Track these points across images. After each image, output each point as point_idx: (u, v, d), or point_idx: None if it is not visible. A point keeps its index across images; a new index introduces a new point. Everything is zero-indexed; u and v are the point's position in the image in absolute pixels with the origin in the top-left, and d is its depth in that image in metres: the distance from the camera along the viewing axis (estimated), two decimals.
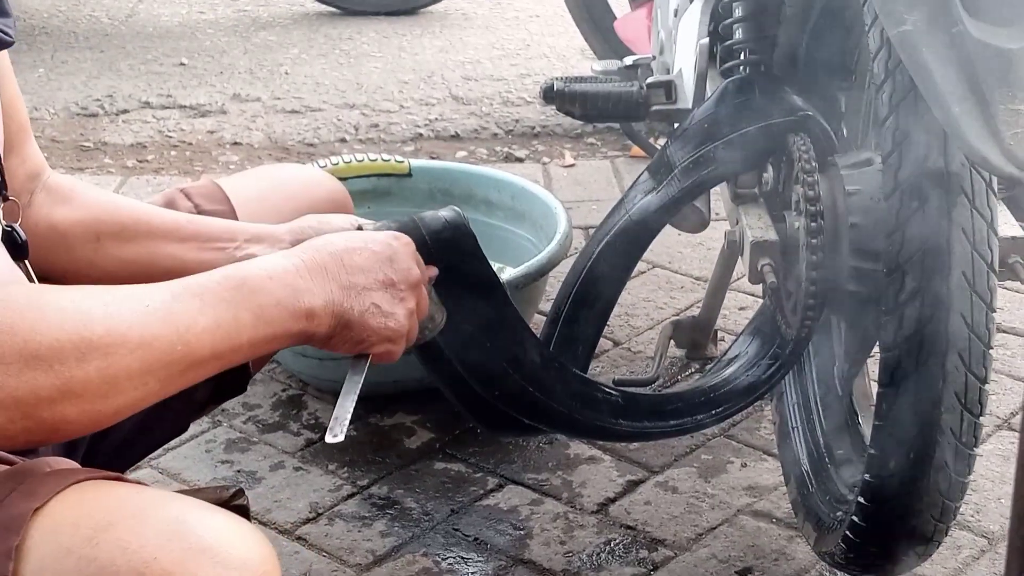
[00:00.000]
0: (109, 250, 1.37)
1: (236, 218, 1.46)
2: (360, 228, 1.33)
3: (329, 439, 1.13)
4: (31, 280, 1.28)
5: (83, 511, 0.94)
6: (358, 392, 1.18)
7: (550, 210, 2.26)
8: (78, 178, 1.47)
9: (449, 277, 1.30)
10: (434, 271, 1.29)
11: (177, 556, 0.90)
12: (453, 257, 1.31)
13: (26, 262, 1.27)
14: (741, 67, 1.66)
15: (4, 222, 1.24)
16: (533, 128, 3.32)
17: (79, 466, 1.08)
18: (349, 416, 1.15)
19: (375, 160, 2.41)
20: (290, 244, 1.33)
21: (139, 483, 1.02)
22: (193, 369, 1.04)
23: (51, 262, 1.35)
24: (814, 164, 1.47)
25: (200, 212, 1.46)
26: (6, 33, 1.15)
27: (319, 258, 1.13)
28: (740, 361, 1.65)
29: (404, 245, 1.20)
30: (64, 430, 0.98)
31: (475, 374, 1.39)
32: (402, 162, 2.42)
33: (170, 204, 1.47)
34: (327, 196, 1.55)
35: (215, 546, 0.92)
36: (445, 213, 1.32)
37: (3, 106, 1.27)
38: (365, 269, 1.15)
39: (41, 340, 0.95)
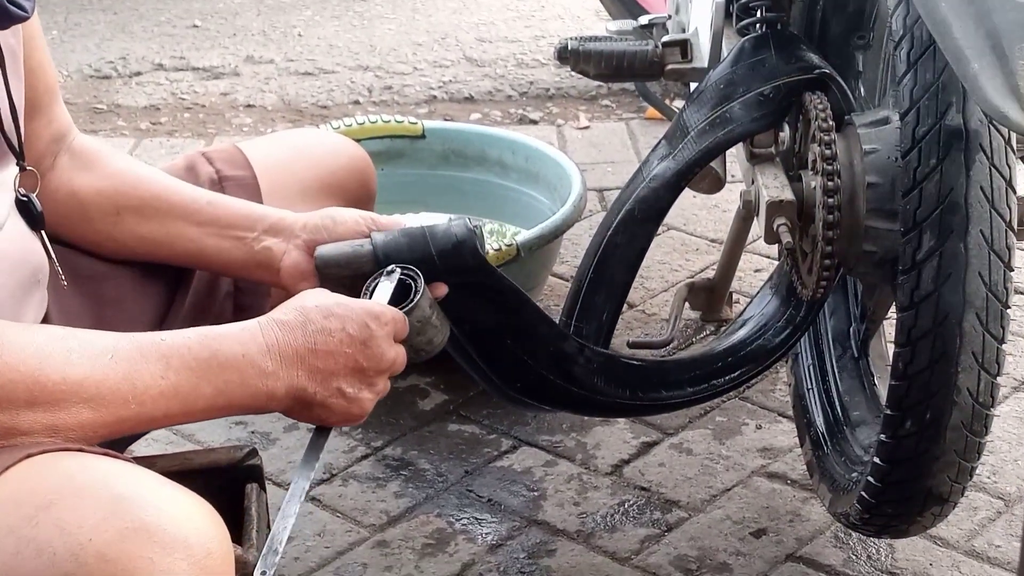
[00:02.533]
0: (129, 225, 1.36)
1: (258, 183, 1.45)
2: (370, 234, 1.30)
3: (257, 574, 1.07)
4: (46, 250, 1.27)
5: (28, 488, 0.94)
6: (303, 494, 1.15)
7: (564, 172, 2.25)
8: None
9: (460, 291, 1.29)
10: (443, 289, 1.28)
11: (113, 536, 0.90)
12: (460, 275, 1.29)
13: (42, 232, 1.27)
14: (757, 25, 1.64)
15: (21, 191, 1.23)
16: (547, 90, 3.30)
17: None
18: (283, 543, 1.08)
19: (388, 122, 2.39)
20: (304, 241, 1.33)
21: (105, 452, 1.01)
22: (141, 426, 1.06)
23: (70, 230, 1.34)
24: (831, 123, 1.46)
25: (221, 177, 1.44)
26: (22, 7, 1.14)
27: (293, 341, 1.12)
28: (755, 324, 1.63)
29: (382, 326, 1.16)
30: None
31: (495, 371, 1.40)
32: (415, 123, 2.41)
33: (191, 168, 1.45)
34: (348, 163, 1.53)
35: (154, 525, 0.92)
36: (457, 230, 1.29)
37: (30, 71, 1.26)
38: (336, 354, 1.13)
39: None
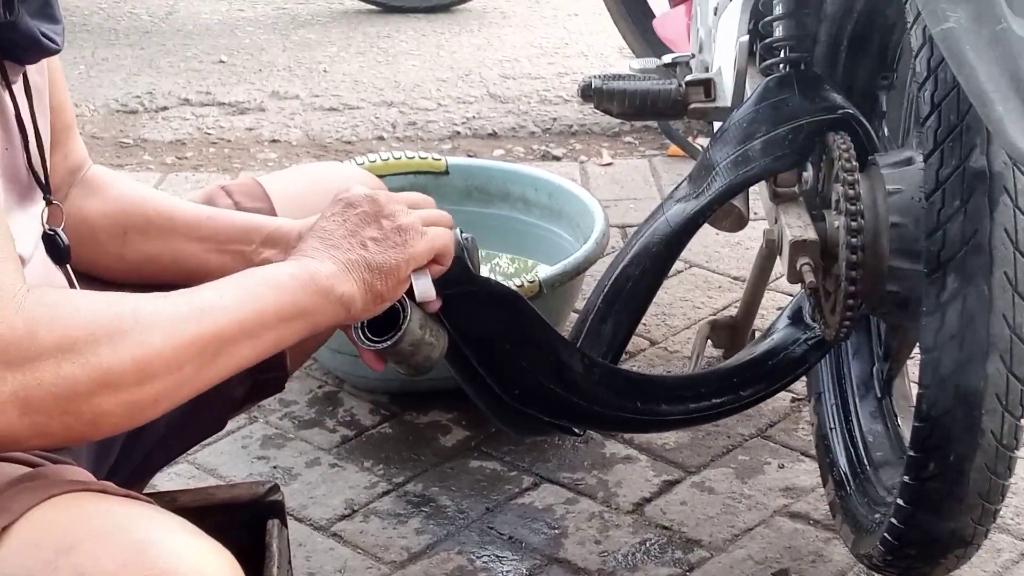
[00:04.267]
0: (135, 245, 1.38)
1: (276, 215, 1.46)
2: None
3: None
4: (72, 285, 1.29)
5: (49, 530, 0.94)
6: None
7: (587, 208, 2.25)
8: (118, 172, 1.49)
9: (456, 300, 1.29)
10: (436, 304, 1.27)
11: None
12: (452, 286, 1.29)
13: (68, 267, 1.28)
14: (781, 65, 1.65)
15: (47, 226, 1.25)
16: (571, 126, 3.31)
17: (83, 472, 1.08)
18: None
19: (412, 158, 2.41)
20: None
21: (127, 494, 1.01)
22: (226, 349, 1.05)
23: (84, 256, 1.35)
24: (854, 163, 1.46)
25: (240, 210, 1.46)
26: (53, 40, 1.16)
27: (301, 247, 1.19)
28: (764, 349, 1.63)
29: (349, 191, 1.23)
30: (103, 424, 0.99)
31: (494, 377, 1.38)
32: (439, 160, 2.42)
33: (210, 201, 1.47)
34: None
35: (173, 571, 0.91)
36: None
37: (52, 107, 1.28)
38: (337, 223, 1.20)
39: (77, 333, 0.96)
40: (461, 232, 1.30)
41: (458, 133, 3.30)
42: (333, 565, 1.80)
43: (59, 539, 0.92)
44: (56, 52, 1.18)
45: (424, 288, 1.24)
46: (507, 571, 1.78)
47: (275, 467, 2.01)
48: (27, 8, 1.13)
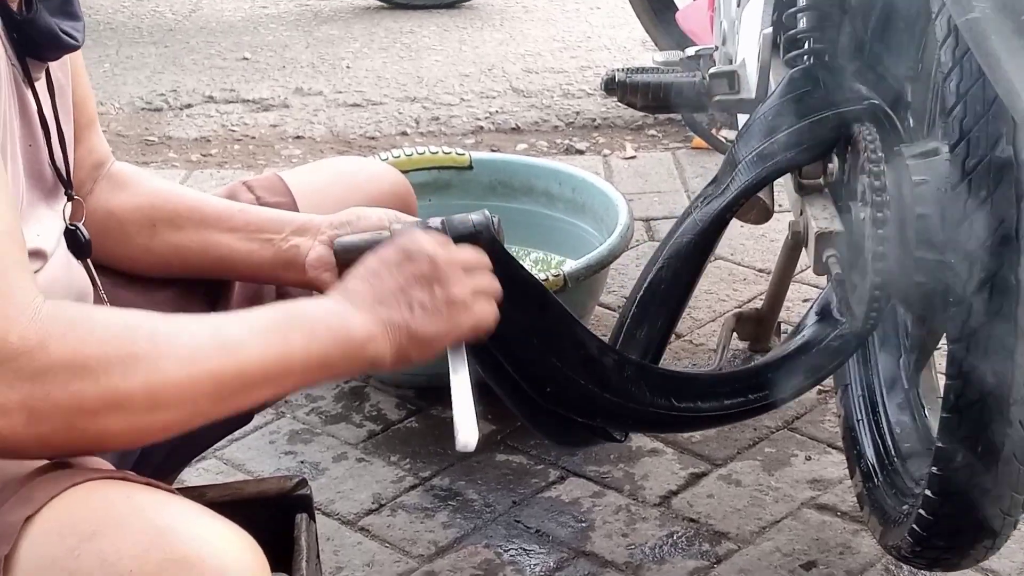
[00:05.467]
0: (164, 237, 1.39)
1: (296, 210, 1.47)
2: (391, 223, 1.32)
3: (460, 447, 1.13)
4: (92, 279, 1.30)
5: (71, 519, 0.94)
6: (470, 386, 1.18)
7: (611, 202, 2.25)
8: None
9: None
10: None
11: (153, 568, 0.90)
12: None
13: (88, 261, 1.29)
14: (805, 56, 1.64)
15: (69, 221, 1.26)
16: (594, 120, 3.31)
17: (103, 462, 1.08)
18: (474, 416, 1.14)
19: (436, 153, 2.41)
20: (328, 237, 1.35)
21: (147, 482, 1.01)
22: (245, 390, 1.04)
23: (108, 249, 1.36)
24: (880, 154, 1.46)
25: (261, 204, 1.47)
26: (73, 37, 1.17)
27: (355, 291, 1.14)
28: (796, 345, 1.62)
29: (414, 241, 1.18)
30: (107, 443, 0.99)
31: (524, 374, 1.37)
32: (463, 155, 2.42)
33: (233, 196, 1.48)
34: (390, 189, 1.55)
35: (195, 556, 0.92)
36: (474, 217, 1.28)
37: (74, 103, 1.29)
38: (393, 278, 1.15)
39: (89, 351, 0.96)
40: (491, 216, 1.29)
41: (481, 128, 3.30)
42: (361, 559, 1.80)
43: (81, 527, 0.93)
44: (76, 48, 1.19)
45: (457, 363, 1.21)
46: (535, 564, 1.78)
47: (302, 462, 2.02)
48: (47, 5, 1.14)
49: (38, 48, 1.15)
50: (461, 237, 1.26)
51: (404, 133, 3.29)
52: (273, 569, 1.37)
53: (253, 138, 3.30)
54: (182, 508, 0.97)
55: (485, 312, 1.20)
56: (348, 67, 3.73)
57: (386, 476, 1.98)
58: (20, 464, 1.01)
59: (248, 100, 3.51)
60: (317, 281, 1.34)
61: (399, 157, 2.36)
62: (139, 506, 0.95)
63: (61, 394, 0.94)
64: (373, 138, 3.27)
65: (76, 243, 1.26)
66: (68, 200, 1.26)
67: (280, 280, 1.41)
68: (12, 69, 1.12)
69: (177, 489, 1.45)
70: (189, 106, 3.49)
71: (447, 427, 2.07)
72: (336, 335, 1.09)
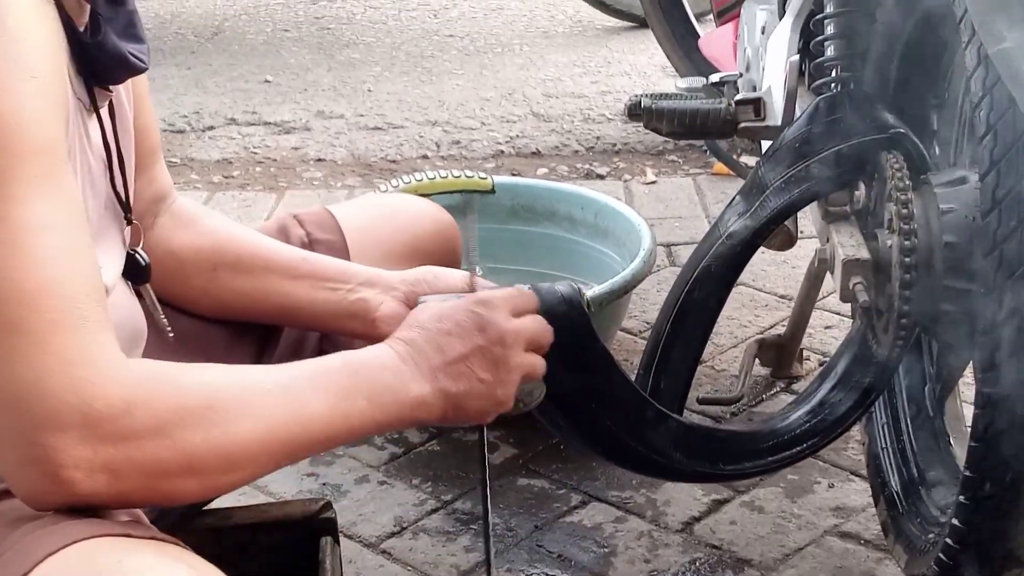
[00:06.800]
0: (224, 281, 1.39)
1: (347, 246, 1.47)
2: (472, 288, 1.32)
3: None
4: (152, 303, 1.30)
5: None
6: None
7: (633, 227, 2.26)
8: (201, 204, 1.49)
9: (560, 351, 1.29)
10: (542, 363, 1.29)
11: None
12: (564, 335, 1.28)
13: (148, 286, 1.30)
14: (832, 84, 1.65)
15: (129, 247, 1.26)
16: (614, 145, 3.32)
17: (114, 513, 1.07)
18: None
19: (459, 176, 2.42)
20: (404, 293, 1.35)
21: (151, 537, 1.00)
22: (305, 449, 1.08)
23: (167, 288, 1.36)
24: (907, 182, 1.46)
25: (312, 239, 1.47)
26: (140, 59, 1.17)
27: (420, 351, 1.15)
28: (829, 388, 1.63)
29: (491, 310, 1.19)
30: (180, 499, 1.02)
31: (579, 433, 1.41)
32: (485, 178, 2.43)
33: (283, 230, 1.48)
34: (434, 227, 1.55)
35: None
36: (563, 288, 1.30)
37: (137, 130, 1.29)
38: (459, 346, 1.16)
39: (170, 417, 0.98)
40: (580, 290, 1.31)
41: (502, 152, 3.31)
42: None
43: None
44: (143, 71, 1.20)
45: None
46: None
47: (324, 484, 2.02)
48: (113, 28, 1.14)
49: (105, 71, 1.15)
50: (551, 307, 1.28)
51: (425, 156, 3.30)
52: None
53: (275, 160, 3.32)
54: (175, 574, 0.96)
55: (532, 389, 1.24)
56: (369, 90, 3.74)
57: (408, 499, 1.98)
58: None
59: (270, 123, 3.53)
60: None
61: (422, 180, 2.36)
62: (131, 571, 0.94)
63: (142, 458, 0.97)
64: (394, 161, 3.28)
65: (135, 268, 1.27)
66: (128, 224, 1.26)
67: (344, 331, 1.41)
68: (77, 99, 1.11)
69: (203, 511, 1.46)
70: (211, 128, 3.51)
71: (469, 450, 2.08)
72: (398, 402, 1.12)
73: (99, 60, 1.13)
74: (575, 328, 1.30)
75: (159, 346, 1.32)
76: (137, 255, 1.26)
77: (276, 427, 1.04)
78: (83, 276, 0.98)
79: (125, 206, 1.24)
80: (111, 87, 1.19)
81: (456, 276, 1.37)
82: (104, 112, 1.18)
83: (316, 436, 1.07)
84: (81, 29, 1.12)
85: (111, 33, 1.13)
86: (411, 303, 1.33)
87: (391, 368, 1.13)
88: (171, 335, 1.31)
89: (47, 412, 0.94)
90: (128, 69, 1.17)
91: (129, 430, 0.96)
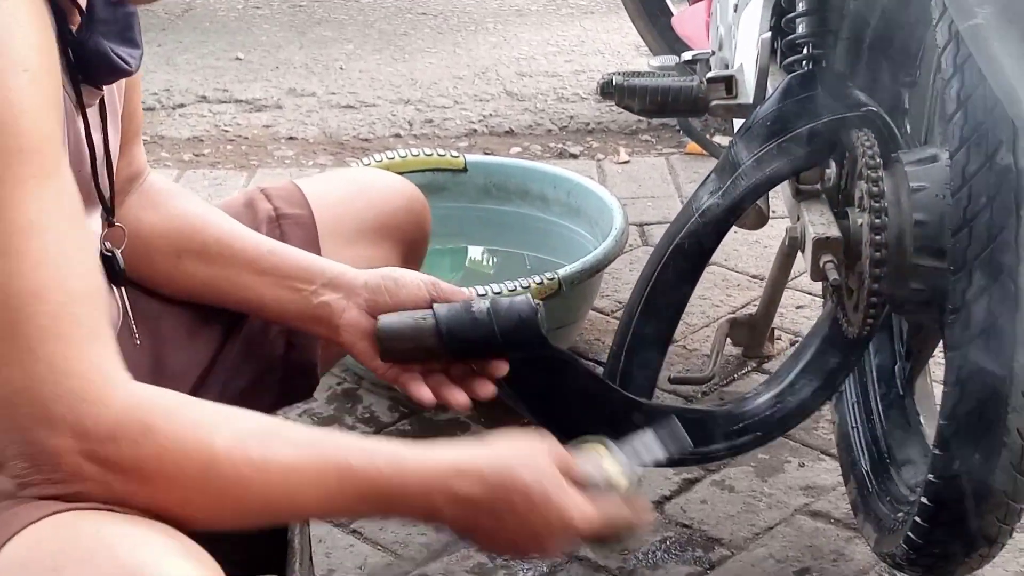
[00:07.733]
0: (188, 268, 1.36)
1: (315, 221, 1.45)
2: (435, 296, 1.32)
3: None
4: (123, 307, 1.29)
5: (38, 552, 0.93)
6: None
7: (606, 206, 2.25)
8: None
9: (521, 365, 1.33)
10: (504, 367, 1.31)
11: None
12: (522, 351, 1.32)
13: (122, 289, 1.28)
14: (804, 62, 1.64)
15: (107, 245, 1.24)
16: (587, 124, 3.31)
17: None
18: None
19: (431, 155, 2.40)
20: (365, 300, 1.33)
21: (126, 512, 0.99)
22: (291, 519, 1.11)
23: (134, 268, 1.33)
24: (878, 160, 1.46)
25: (279, 215, 1.45)
26: (127, 62, 1.16)
27: (473, 514, 1.10)
28: (798, 372, 1.63)
29: (561, 512, 1.12)
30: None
31: (553, 430, 1.41)
32: (457, 157, 2.42)
33: (250, 204, 1.46)
34: (405, 204, 1.53)
35: None
36: (520, 308, 1.31)
37: (124, 115, 1.27)
38: (507, 535, 1.12)
39: (158, 467, 0.98)
40: (532, 299, 1.32)
41: (475, 131, 3.30)
42: (353, 562, 1.79)
43: (46, 560, 0.92)
44: (128, 74, 1.18)
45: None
46: (527, 569, 1.78)
47: None
48: (107, 31, 1.13)
49: (91, 70, 1.14)
50: (506, 329, 1.29)
51: (397, 135, 3.28)
52: (266, 571, 1.36)
53: (246, 138, 3.29)
54: (150, 543, 0.95)
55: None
56: (342, 68, 3.72)
57: None
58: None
59: (241, 100, 3.50)
60: (351, 348, 1.33)
61: (393, 159, 2.35)
62: (105, 541, 0.93)
63: (122, 489, 0.97)
64: (366, 140, 3.26)
65: (111, 270, 1.25)
66: (109, 226, 1.25)
67: (308, 331, 1.39)
68: (65, 95, 1.09)
69: None
70: (182, 105, 3.48)
71: (439, 430, 2.07)
72: (410, 517, 1.14)
73: (82, 58, 1.12)
74: (532, 347, 1.32)
75: (124, 330, 1.30)
76: (115, 257, 1.24)
77: (267, 510, 1.03)
78: (78, 278, 0.97)
79: (109, 208, 1.22)
80: (101, 87, 1.17)
81: (418, 282, 1.34)
82: (95, 111, 1.17)
83: (304, 514, 1.10)
84: (74, 28, 1.11)
85: (98, 33, 1.12)
86: (373, 312, 1.32)
87: (431, 501, 1.08)
88: (137, 342, 1.30)
89: (39, 414, 0.94)
90: (112, 71, 1.15)
91: (114, 459, 0.96)
